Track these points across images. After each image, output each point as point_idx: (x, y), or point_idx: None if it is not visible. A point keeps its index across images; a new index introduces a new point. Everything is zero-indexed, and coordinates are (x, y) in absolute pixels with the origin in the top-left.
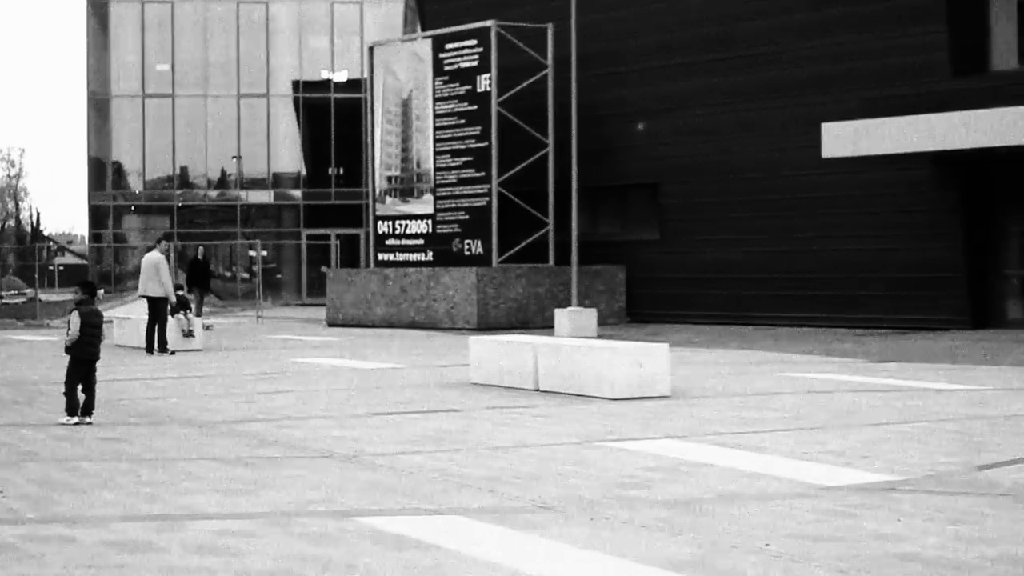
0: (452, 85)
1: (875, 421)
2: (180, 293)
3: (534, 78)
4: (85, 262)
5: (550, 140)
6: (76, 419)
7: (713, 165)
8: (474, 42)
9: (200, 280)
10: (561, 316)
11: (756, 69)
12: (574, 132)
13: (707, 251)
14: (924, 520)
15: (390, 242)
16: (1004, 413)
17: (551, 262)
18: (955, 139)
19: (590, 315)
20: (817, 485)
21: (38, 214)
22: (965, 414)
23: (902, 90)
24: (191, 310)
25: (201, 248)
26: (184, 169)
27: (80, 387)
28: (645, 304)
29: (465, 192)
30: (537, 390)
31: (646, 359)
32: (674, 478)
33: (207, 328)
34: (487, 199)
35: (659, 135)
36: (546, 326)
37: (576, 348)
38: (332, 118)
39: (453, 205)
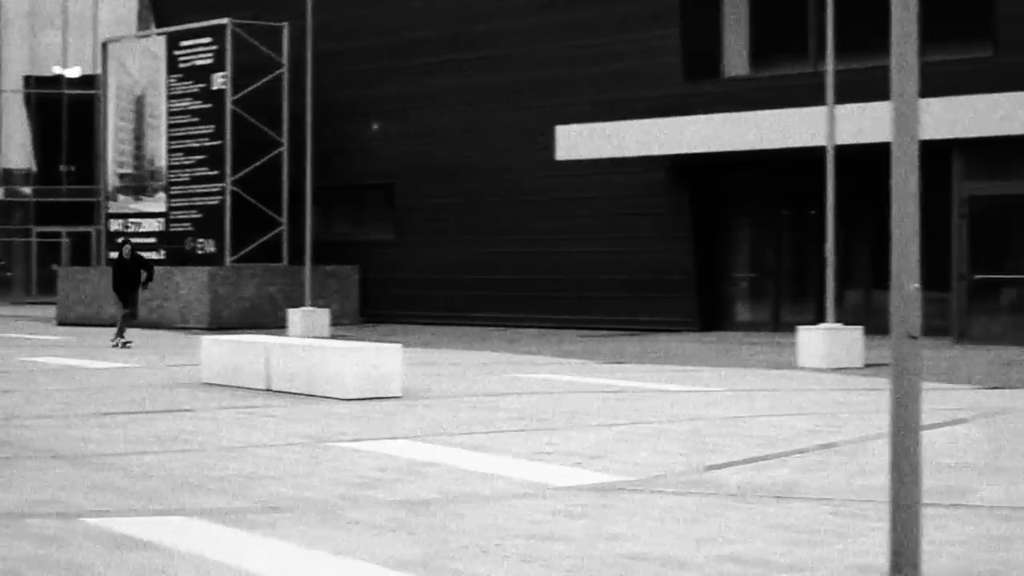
0: (186, 83)
1: (606, 422)
2: None
3: (269, 77)
4: None
5: (284, 139)
6: None
7: (448, 166)
8: (209, 40)
9: (128, 284)
10: (294, 316)
11: (491, 71)
12: (308, 132)
13: (442, 252)
14: (653, 520)
15: (122, 240)
16: (731, 414)
17: (285, 262)
18: (686, 143)
19: (323, 315)
20: (548, 485)
21: None
22: (693, 415)
23: (635, 94)
24: None
25: (128, 246)
26: None
27: None
28: (379, 304)
29: (198, 191)
30: (269, 390)
31: (378, 359)
32: (406, 478)
33: (126, 345)
34: (220, 198)
35: (395, 136)
36: (279, 326)
37: (308, 348)
38: (64, 115)
39: (186, 204)
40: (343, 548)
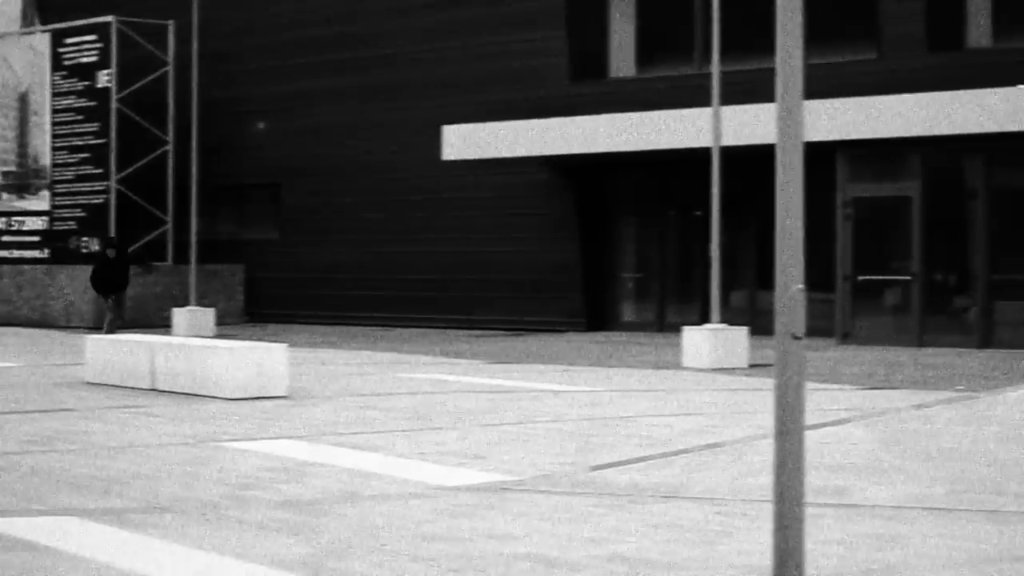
0: (71, 80)
1: (491, 422)
2: None
3: (155, 75)
4: None
5: (170, 138)
6: None
7: (335, 166)
8: (94, 37)
9: (114, 282)
10: (179, 315)
11: (377, 70)
12: (194, 130)
13: (327, 251)
14: (538, 520)
15: (5, 239)
16: (616, 414)
17: (169, 261)
18: (572, 144)
19: (207, 314)
20: (434, 485)
21: None
22: (579, 415)
23: (521, 94)
24: None
25: (111, 249)
26: None
27: None
28: (265, 304)
29: (83, 189)
30: (154, 390)
31: (264, 359)
32: (292, 478)
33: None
34: (105, 196)
35: (281, 135)
36: (164, 325)
37: (193, 347)
38: None
39: (70, 202)
40: (227, 548)
